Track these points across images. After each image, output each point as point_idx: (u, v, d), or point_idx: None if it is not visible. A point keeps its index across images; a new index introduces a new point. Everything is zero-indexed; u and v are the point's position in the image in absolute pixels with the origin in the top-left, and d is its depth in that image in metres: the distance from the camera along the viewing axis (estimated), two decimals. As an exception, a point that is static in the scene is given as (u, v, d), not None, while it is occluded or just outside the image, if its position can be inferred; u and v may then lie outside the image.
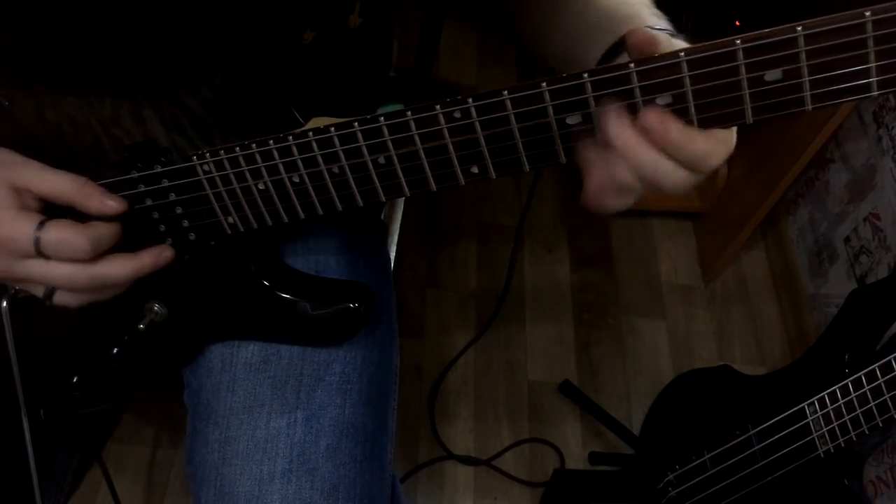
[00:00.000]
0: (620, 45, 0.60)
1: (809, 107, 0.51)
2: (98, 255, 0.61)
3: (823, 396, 1.06)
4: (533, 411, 1.60)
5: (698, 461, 1.23)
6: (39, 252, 0.59)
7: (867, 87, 0.50)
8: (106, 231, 0.62)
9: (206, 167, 0.62)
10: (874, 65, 0.49)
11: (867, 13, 0.48)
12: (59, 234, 0.59)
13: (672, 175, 0.52)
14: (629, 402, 1.65)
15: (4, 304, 0.68)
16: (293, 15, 0.63)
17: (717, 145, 0.53)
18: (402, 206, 1.04)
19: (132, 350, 0.73)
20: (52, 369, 0.76)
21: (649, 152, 0.51)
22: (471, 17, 2.25)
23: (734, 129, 0.55)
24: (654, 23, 0.60)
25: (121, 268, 0.63)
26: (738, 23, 1.61)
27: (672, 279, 1.87)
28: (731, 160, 1.70)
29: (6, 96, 0.65)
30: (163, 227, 0.66)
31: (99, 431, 1.34)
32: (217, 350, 0.74)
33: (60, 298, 0.64)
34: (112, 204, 0.62)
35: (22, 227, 0.59)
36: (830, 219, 1.77)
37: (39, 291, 0.63)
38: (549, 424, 1.59)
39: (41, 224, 0.59)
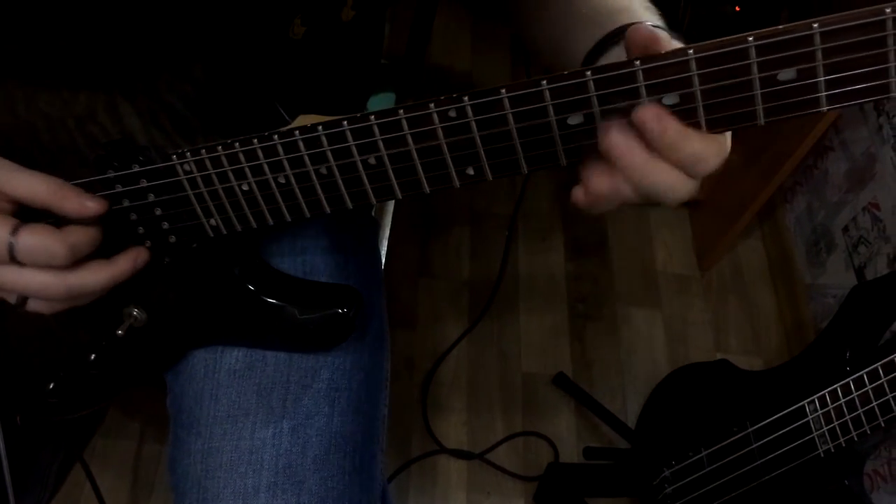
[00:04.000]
0: (610, 39, 0.58)
1: (825, 108, 0.49)
2: (76, 261, 0.58)
3: (824, 395, 1.04)
4: (527, 404, 1.58)
5: (695, 458, 1.21)
6: (13, 258, 0.56)
7: (886, 88, 0.47)
8: (84, 237, 0.58)
9: (186, 167, 0.59)
10: (895, 64, 0.46)
11: (888, 9, 0.45)
12: (35, 240, 0.55)
13: (668, 179, 0.49)
14: (624, 394, 1.63)
15: (-25, 308, 0.65)
16: (282, 7, 0.60)
17: (713, 146, 0.50)
18: (394, 202, 1.01)
19: (111, 356, 0.70)
20: (28, 375, 0.73)
21: (642, 154, 0.49)
22: (464, 1, 2.20)
23: (728, 133, 0.52)
24: (647, 17, 0.57)
25: (98, 275, 0.59)
26: (737, 7, 1.57)
27: (668, 268, 1.84)
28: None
29: (-26, 90, 0.61)
30: (141, 230, 0.63)
31: (83, 429, 1.31)
32: (200, 356, 0.71)
33: (34, 306, 0.60)
34: (91, 205, 0.58)
35: None
36: (829, 208, 1.75)
37: (12, 298, 0.60)
38: (543, 417, 1.57)
39: (15, 229, 0.55)
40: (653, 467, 1.28)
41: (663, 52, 0.49)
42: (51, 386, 0.72)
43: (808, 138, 1.53)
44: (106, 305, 0.65)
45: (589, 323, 1.72)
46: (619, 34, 0.57)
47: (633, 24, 0.51)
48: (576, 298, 1.75)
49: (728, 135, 0.52)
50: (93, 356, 0.70)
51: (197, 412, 0.69)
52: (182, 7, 0.59)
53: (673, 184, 0.50)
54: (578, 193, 0.52)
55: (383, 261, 0.98)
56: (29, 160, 0.59)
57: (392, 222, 1.04)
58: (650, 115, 0.47)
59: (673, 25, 0.59)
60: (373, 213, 0.92)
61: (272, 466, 0.66)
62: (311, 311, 0.67)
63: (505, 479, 1.49)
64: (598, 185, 0.50)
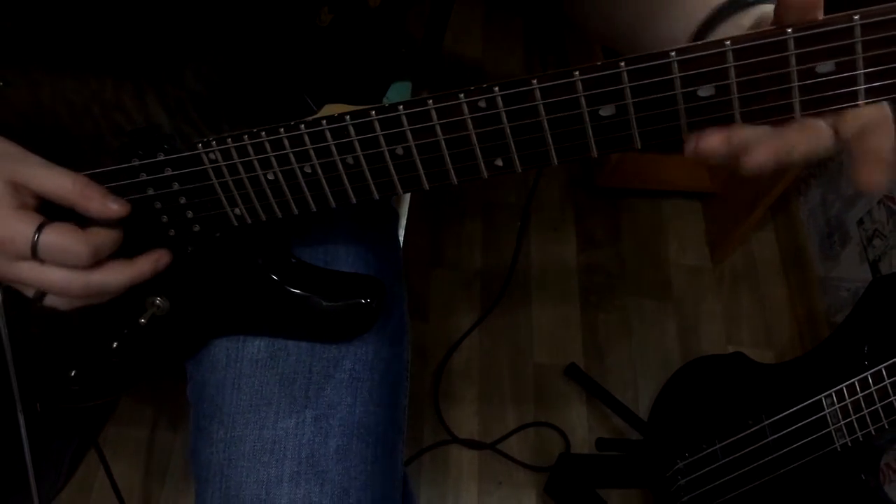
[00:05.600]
0: (711, 24, 0.54)
1: (862, 101, 0.48)
2: (97, 261, 0.58)
3: (841, 388, 1.04)
4: (538, 395, 1.58)
5: (709, 450, 1.21)
6: (35, 255, 0.56)
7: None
8: (107, 238, 0.58)
9: (212, 156, 0.58)
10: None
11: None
12: (59, 239, 0.55)
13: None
14: (636, 386, 1.63)
15: (-1, 295, 0.65)
16: None
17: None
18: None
19: (133, 344, 0.70)
20: (50, 363, 0.73)
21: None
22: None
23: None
24: None
25: (118, 275, 0.59)
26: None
27: (680, 260, 1.84)
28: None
29: (0, 77, 0.61)
30: (165, 218, 0.62)
31: (97, 417, 1.31)
32: (222, 345, 0.71)
33: (52, 301, 0.60)
34: (115, 207, 0.58)
35: (20, 228, 0.55)
36: (843, 200, 1.73)
37: (29, 293, 0.60)
38: (554, 408, 1.57)
39: (40, 227, 0.55)
40: (666, 459, 1.28)
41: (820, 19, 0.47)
42: (73, 373, 0.72)
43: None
44: (129, 294, 0.65)
45: (601, 314, 1.71)
46: (727, 10, 0.54)
47: None
48: (588, 290, 1.74)
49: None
50: (115, 344, 0.70)
51: (219, 401, 0.69)
52: (213, 3, 0.59)
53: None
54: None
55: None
56: (51, 146, 0.59)
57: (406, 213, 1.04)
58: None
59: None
60: (392, 204, 0.92)
61: (295, 456, 0.65)
62: (334, 301, 0.67)
63: (516, 469, 1.49)
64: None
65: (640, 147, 0.52)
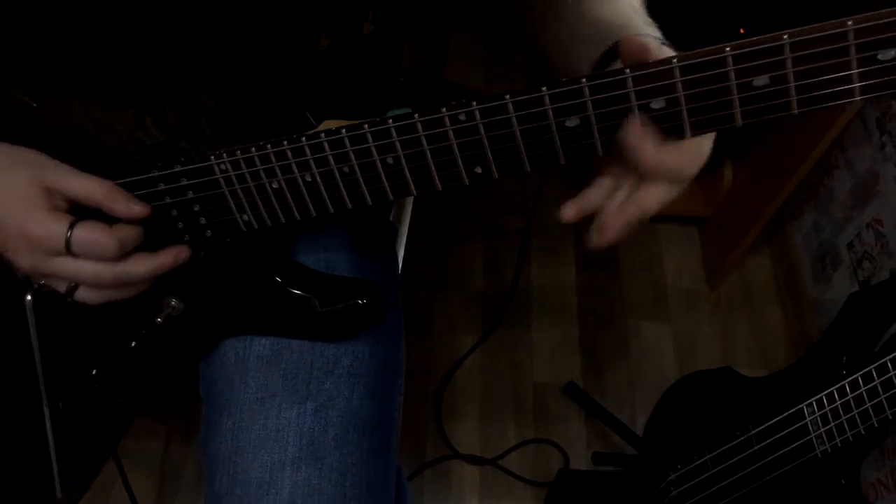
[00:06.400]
0: (611, 53, 0.63)
1: (795, 111, 0.54)
2: (123, 254, 0.65)
3: (822, 397, 1.08)
4: (538, 412, 1.63)
5: (699, 461, 1.25)
6: (69, 250, 0.63)
7: (850, 93, 0.53)
8: (131, 233, 0.65)
9: (223, 166, 0.65)
10: (856, 71, 0.51)
11: (849, 22, 0.51)
12: (89, 234, 0.63)
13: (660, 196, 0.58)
14: (633, 405, 1.67)
15: (29, 297, 0.71)
16: (309, 23, 0.66)
17: (691, 156, 0.57)
18: (411, 208, 1.07)
19: (150, 343, 0.76)
20: (72, 362, 0.79)
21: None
22: (479, 26, 2.27)
23: (709, 137, 0.58)
24: (646, 31, 0.63)
25: (142, 266, 0.66)
26: (742, 30, 1.63)
27: (677, 283, 1.89)
28: (735, 166, 1.73)
29: (34, 98, 0.68)
30: (181, 224, 0.69)
31: (114, 428, 1.37)
32: (231, 344, 0.77)
33: (82, 294, 0.67)
34: (137, 209, 0.65)
35: (54, 227, 0.62)
36: (834, 224, 1.79)
37: (62, 287, 0.67)
38: (554, 425, 1.62)
39: (72, 225, 0.62)
40: (659, 471, 1.32)
41: (652, 60, 0.55)
42: (94, 372, 0.79)
43: (811, 158, 1.58)
44: (146, 297, 0.71)
45: (599, 335, 1.76)
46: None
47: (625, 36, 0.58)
48: (586, 311, 1.80)
49: (708, 139, 0.58)
50: (134, 343, 0.76)
51: (228, 394, 0.75)
52: (221, 26, 0.66)
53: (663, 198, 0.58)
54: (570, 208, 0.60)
55: (400, 267, 1.04)
56: (79, 159, 0.66)
57: (410, 235, 1.10)
58: (631, 133, 0.54)
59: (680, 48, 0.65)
60: (391, 219, 0.98)
61: (296, 443, 0.71)
62: (332, 301, 0.73)
63: (517, 484, 1.53)
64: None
65: (601, 154, 0.59)
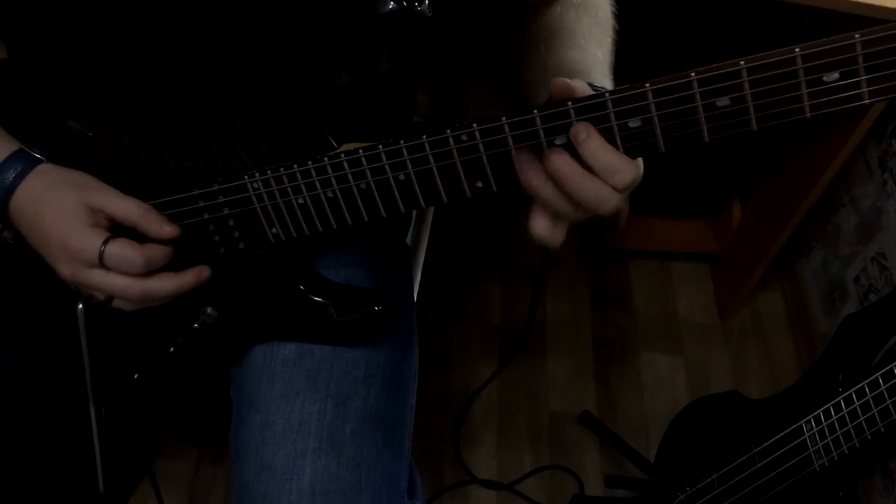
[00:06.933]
0: None
1: (755, 127, 0.61)
2: (150, 271, 0.73)
3: (819, 414, 1.14)
4: (553, 440, 1.68)
5: (706, 480, 1.30)
6: (102, 263, 0.71)
7: (801, 111, 0.60)
8: (160, 252, 0.74)
9: (255, 185, 0.74)
10: (805, 91, 0.59)
11: (797, 49, 0.58)
12: (120, 250, 0.71)
13: (595, 188, 0.62)
14: (647, 434, 1.72)
15: (80, 306, 0.80)
16: (331, 60, 0.75)
17: (627, 162, 0.63)
18: (428, 233, 1.15)
19: (187, 349, 0.85)
20: (115, 368, 0.87)
21: (576, 168, 0.62)
22: (496, 76, 2.38)
23: (640, 159, 0.65)
24: (600, 81, 0.72)
25: (167, 284, 0.75)
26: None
27: (690, 317, 1.95)
28: (743, 204, 1.81)
29: (90, 129, 0.77)
30: (217, 238, 0.78)
31: (148, 448, 1.45)
32: (259, 349, 0.85)
33: (117, 304, 0.76)
34: (168, 229, 0.74)
35: (91, 241, 0.71)
36: (841, 260, 1.85)
37: (101, 296, 0.75)
38: (569, 453, 1.67)
39: (107, 240, 0.71)
40: (669, 493, 1.37)
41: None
42: (135, 376, 0.87)
43: (812, 194, 1.64)
44: (183, 305, 0.80)
45: (613, 367, 1.82)
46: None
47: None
48: (601, 344, 1.86)
49: (640, 160, 0.65)
50: (172, 349, 0.84)
51: (256, 394, 0.83)
52: (256, 65, 0.75)
53: (599, 192, 0.62)
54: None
55: (416, 289, 1.12)
56: (127, 180, 0.75)
57: (430, 272, 1.18)
58: (581, 126, 0.61)
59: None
60: (407, 241, 1.06)
61: (317, 435, 0.79)
62: (351, 308, 0.81)
63: (532, 509, 1.58)
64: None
65: (586, 168, 0.66)
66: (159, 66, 0.76)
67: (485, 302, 1.89)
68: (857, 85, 0.58)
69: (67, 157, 0.76)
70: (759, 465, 1.22)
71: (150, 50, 0.75)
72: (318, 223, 0.74)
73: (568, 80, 0.64)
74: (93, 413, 0.84)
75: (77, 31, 0.77)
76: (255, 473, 0.79)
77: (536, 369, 1.78)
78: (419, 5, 0.69)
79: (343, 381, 0.82)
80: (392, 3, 0.68)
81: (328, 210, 0.73)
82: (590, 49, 0.79)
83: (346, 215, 0.73)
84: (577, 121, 0.63)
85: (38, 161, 0.73)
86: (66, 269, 0.73)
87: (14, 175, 0.72)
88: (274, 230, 0.76)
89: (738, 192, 1.91)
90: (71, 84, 0.80)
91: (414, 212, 1.13)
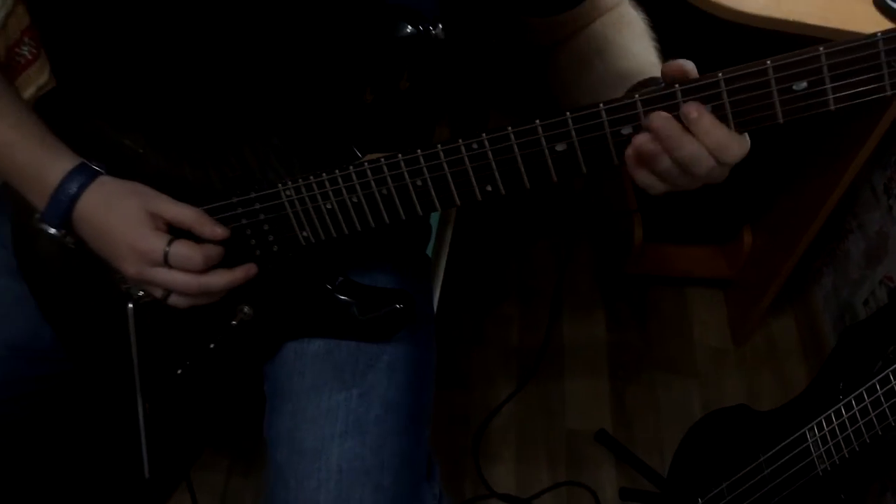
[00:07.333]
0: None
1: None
2: (207, 268, 0.82)
3: (821, 420, 1.19)
4: (570, 457, 1.73)
5: (716, 490, 1.35)
6: (166, 262, 0.80)
7: (775, 116, 0.67)
8: (214, 251, 0.83)
9: (288, 192, 0.82)
10: (777, 99, 0.66)
11: (768, 61, 0.65)
12: (183, 249, 0.80)
13: (696, 151, 0.66)
14: (662, 454, 1.76)
15: (130, 306, 0.88)
16: (356, 80, 0.84)
17: (736, 138, 0.67)
18: (447, 249, 1.23)
19: (226, 345, 0.93)
20: (159, 364, 0.95)
21: (678, 127, 0.66)
22: (514, 110, 2.47)
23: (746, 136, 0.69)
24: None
25: (221, 279, 0.83)
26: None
27: (704, 341, 2.00)
28: (754, 231, 1.87)
29: (142, 146, 0.87)
30: (253, 241, 0.86)
31: (185, 458, 1.52)
32: (290, 346, 0.93)
33: (174, 300, 0.84)
34: (220, 231, 0.83)
35: (156, 243, 0.80)
36: (851, 285, 1.90)
37: (159, 294, 0.84)
38: (585, 469, 1.72)
39: (170, 242, 0.80)
40: (682, 503, 1.42)
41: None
42: (178, 372, 0.95)
43: (818, 218, 1.70)
44: (222, 305, 0.88)
45: (629, 387, 1.87)
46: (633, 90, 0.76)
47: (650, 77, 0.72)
48: (616, 365, 1.91)
49: (747, 137, 0.69)
50: (212, 345, 0.92)
51: (287, 386, 0.91)
52: (289, 85, 0.84)
53: (700, 156, 0.66)
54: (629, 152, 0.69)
55: (436, 302, 1.19)
56: (176, 189, 0.84)
57: (449, 296, 1.25)
58: (693, 106, 0.66)
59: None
60: (428, 253, 1.14)
61: (344, 420, 0.87)
62: (374, 307, 0.89)
63: (550, 524, 1.63)
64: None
65: (585, 172, 0.74)
66: (204, 89, 0.85)
67: (504, 324, 1.95)
68: (823, 93, 0.66)
69: (122, 170, 0.85)
70: (765, 472, 1.27)
71: (195, 75, 0.85)
72: (344, 226, 0.82)
73: (682, 62, 0.67)
74: (140, 405, 0.92)
75: (130, 59, 0.86)
76: (288, 455, 0.86)
77: (554, 389, 1.84)
78: (434, 29, 0.77)
79: (367, 372, 0.90)
80: (409, 27, 0.77)
81: (353, 213, 0.81)
82: (644, 56, 0.84)
83: (370, 218, 0.81)
84: (683, 101, 0.67)
85: (99, 173, 0.82)
86: (132, 269, 0.81)
87: (78, 186, 0.81)
88: (304, 233, 0.84)
89: (748, 218, 1.97)
90: (123, 107, 0.89)
91: (434, 225, 1.21)
